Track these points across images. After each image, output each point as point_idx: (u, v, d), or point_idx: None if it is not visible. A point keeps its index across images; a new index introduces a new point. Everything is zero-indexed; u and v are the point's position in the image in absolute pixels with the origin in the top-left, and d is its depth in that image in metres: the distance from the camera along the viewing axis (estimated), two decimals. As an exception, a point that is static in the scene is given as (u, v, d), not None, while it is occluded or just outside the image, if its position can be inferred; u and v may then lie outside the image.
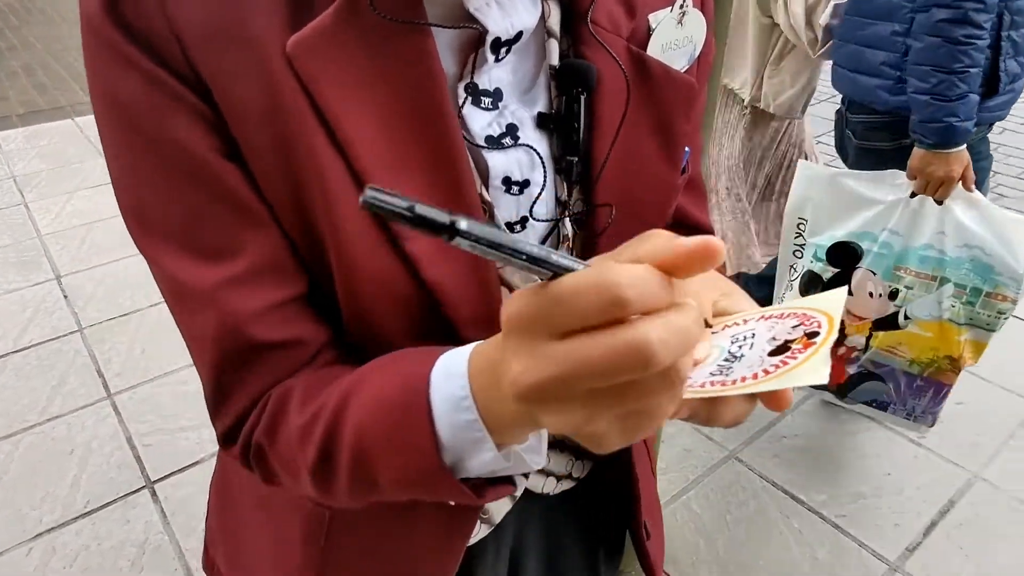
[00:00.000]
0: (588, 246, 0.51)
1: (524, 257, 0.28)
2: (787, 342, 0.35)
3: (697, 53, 0.53)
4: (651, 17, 0.50)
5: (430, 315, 0.44)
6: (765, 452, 1.78)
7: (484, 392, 0.37)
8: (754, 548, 1.56)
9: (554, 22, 0.47)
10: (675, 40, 0.51)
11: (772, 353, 0.35)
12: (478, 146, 0.45)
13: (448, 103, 0.42)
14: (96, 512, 1.67)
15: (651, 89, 0.50)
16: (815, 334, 0.35)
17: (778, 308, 0.40)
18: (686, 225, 0.64)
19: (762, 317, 0.40)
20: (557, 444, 0.60)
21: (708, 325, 0.41)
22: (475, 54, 0.44)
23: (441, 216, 0.26)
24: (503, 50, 0.45)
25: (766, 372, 0.33)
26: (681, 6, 0.50)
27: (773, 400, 0.33)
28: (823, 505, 1.65)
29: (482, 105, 0.45)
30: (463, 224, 0.26)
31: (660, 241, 0.29)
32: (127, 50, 0.38)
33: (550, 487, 0.63)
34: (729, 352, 0.37)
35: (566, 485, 0.64)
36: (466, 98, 0.44)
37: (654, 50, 0.50)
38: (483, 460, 0.39)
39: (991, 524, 1.59)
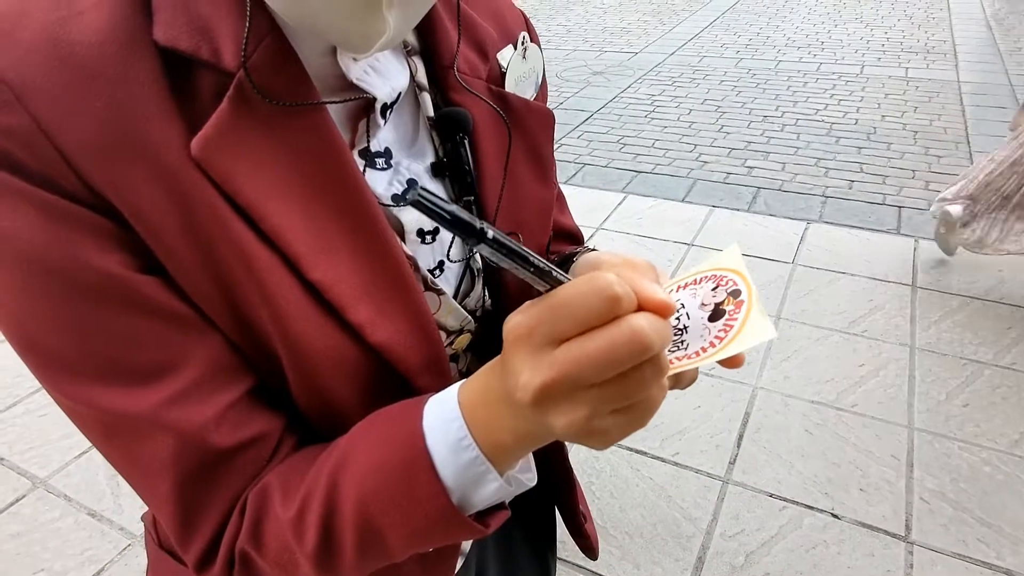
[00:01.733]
0: (497, 275, 0.56)
1: (532, 269, 0.32)
2: (717, 305, 0.40)
3: (540, 81, 0.60)
4: (499, 56, 0.55)
5: (382, 374, 0.46)
6: (603, 421, 2.00)
7: (481, 426, 0.39)
8: (620, 505, 1.76)
9: (422, 76, 0.50)
10: (523, 74, 0.56)
11: (711, 319, 0.40)
12: (387, 206, 0.47)
13: (357, 172, 0.43)
14: None
15: (517, 122, 0.54)
16: (737, 292, 0.40)
17: (687, 276, 0.45)
18: (565, 234, 0.71)
19: (678, 287, 0.44)
20: None
21: None
22: (367, 121, 0.46)
23: (474, 222, 0.29)
24: (388, 112, 0.47)
25: (719, 339, 0.38)
26: (523, 43, 0.57)
27: (730, 362, 0.39)
28: (660, 449, 1.91)
29: (377, 166, 0.47)
30: (490, 233, 0.30)
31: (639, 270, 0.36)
32: (11, 184, 0.35)
33: None
34: (672, 327, 0.41)
35: None
36: (364, 164, 0.46)
37: (509, 86, 0.55)
38: (488, 492, 0.41)
39: (776, 421, 1.98)
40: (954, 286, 2.47)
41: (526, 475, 0.46)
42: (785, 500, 1.74)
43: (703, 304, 0.41)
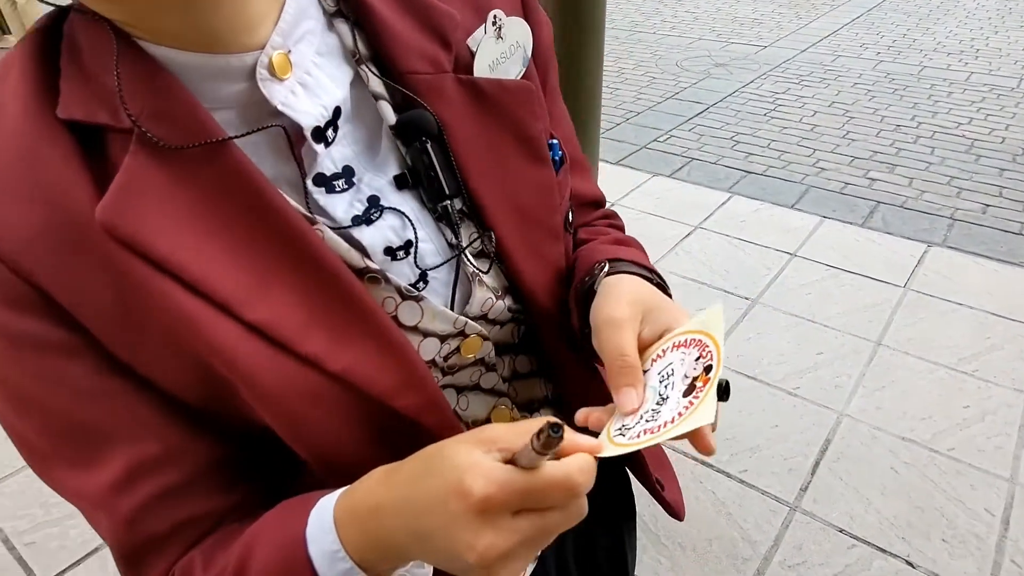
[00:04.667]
0: (507, 268, 0.53)
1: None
2: (693, 380, 0.40)
3: (529, 53, 0.54)
4: (470, 41, 0.50)
5: (354, 400, 0.45)
6: (671, 426, 1.96)
7: (354, 541, 0.40)
8: (677, 514, 1.72)
9: (376, 85, 0.47)
10: (501, 54, 0.52)
11: (685, 393, 0.40)
12: (345, 228, 0.45)
13: (283, 205, 0.42)
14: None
15: (493, 106, 0.51)
16: (710, 367, 0.40)
17: (677, 334, 0.44)
18: (587, 202, 0.69)
19: (674, 346, 0.43)
20: None
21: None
22: (302, 150, 0.44)
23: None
24: (329, 132, 0.44)
25: (679, 415, 0.39)
26: (495, 23, 0.51)
27: (699, 444, 0.41)
28: (727, 464, 1.85)
29: (337, 189, 0.45)
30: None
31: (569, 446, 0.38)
32: None
33: None
34: (659, 395, 0.42)
35: None
36: (320, 189, 0.45)
37: (481, 71, 0.51)
38: None
39: (859, 453, 1.86)
40: (1092, 334, 2.21)
41: (420, 571, 0.47)
42: (856, 538, 1.64)
43: (686, 375, 0.42)
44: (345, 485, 0.44)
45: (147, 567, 0.45)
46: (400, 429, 0.47)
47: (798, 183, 3.28)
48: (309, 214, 0.44)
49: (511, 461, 0.36)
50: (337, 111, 0.45)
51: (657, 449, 0.77)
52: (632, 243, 0.67)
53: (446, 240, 0.50)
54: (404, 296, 0.47)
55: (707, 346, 0.42)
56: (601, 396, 0.48)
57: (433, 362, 0.51)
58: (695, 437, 0.41)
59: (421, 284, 0.49)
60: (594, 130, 1.04)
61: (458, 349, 0.52)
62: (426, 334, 0.49)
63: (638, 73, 4.87)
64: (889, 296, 2.44)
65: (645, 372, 0.44)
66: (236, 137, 0.41)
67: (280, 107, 0.42)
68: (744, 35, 5.59)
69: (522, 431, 0.37)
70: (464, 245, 0.50)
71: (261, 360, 0.41)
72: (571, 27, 0.93)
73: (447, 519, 0.36)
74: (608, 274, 0.55)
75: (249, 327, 0.41)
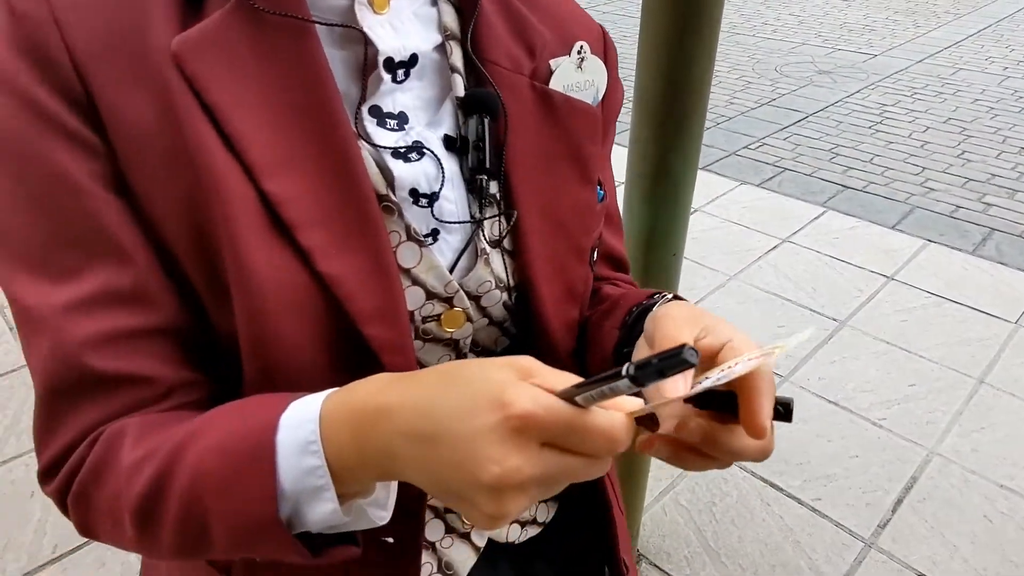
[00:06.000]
0: (518, 263, 0.53)
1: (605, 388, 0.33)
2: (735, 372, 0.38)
3: (600, 96, 0.57)
4: (552, 62, 0.54)
5: (330, 312, 0.44)
6: (742, 443, 1.86)
7: (336, 438, 0.37)
8: (740, 535, 1.63)
9: (457, 60, 0.50)
10: (577, 83, 0.55)
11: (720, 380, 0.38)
12: (380, 147, 0.46)
13: (339, 103, 0.44)
14: (66, 556, 1.58)
15: (557, 118, 0.53)
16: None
17: (767, 347, 0.41)
18: (610, 256, 0.68)
19: (751, 359, 0.40)
20: None
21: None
22: (370, 78, 0.46)
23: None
24: (400, 72, 0.47)
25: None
26: (579, 52, 0.55)
27: (752, 428, 0.39)
28: (799, 490, 1.74)
29: (388, 127, 0.47)
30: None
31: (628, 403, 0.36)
32: (7, 69, 0.38)
33: (515, 535, 0.61)
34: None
35: (532, 531, 0.63)
36: (372, 120, 0.46)
37: (556, 88, 0.54)
38: (322, 512, 0.38)
39: (949, 496, 1.71)
40: None
41: (376, 511, 0.42)
42: (938, 587, 1.51)
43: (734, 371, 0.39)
44: (270, 386, 0.43)
45: (73, 412, 0.42)
46: (358, 363, 0.44)
47: (902, 202, 3.07)
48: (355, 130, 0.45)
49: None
50: (414, 58, 0.48)
51: (623, 527, 0.70)
52: None
53: (470, 212, 0.51)
54: (410, 236, 0.47)
55: (771, 355, 0.40)
56: None
57: (412, 317, 0.49)
58: (751, 421, 0.38)
59: (429, 239, 0.49)
60: (698, 126, 0.98)
61: (439, 318, 0.50)
62: (415, 282, 0.48)
63: (732, 76, 4.69)
64: (998, 331, 2.24)
65: (706, 378, 0.43)
66: (321, 23, 0.44)
67: (366, 30, 0.45)
68: (853, 42, 5.30)
69: (561, 375, 0.35)
70: (483, 217, 0.51)
71: (260, 235, 0.41)
72: (684, 14, 0.89)
73: (473, 428, 0.32)
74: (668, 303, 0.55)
75: (263, 198, 0.41)
